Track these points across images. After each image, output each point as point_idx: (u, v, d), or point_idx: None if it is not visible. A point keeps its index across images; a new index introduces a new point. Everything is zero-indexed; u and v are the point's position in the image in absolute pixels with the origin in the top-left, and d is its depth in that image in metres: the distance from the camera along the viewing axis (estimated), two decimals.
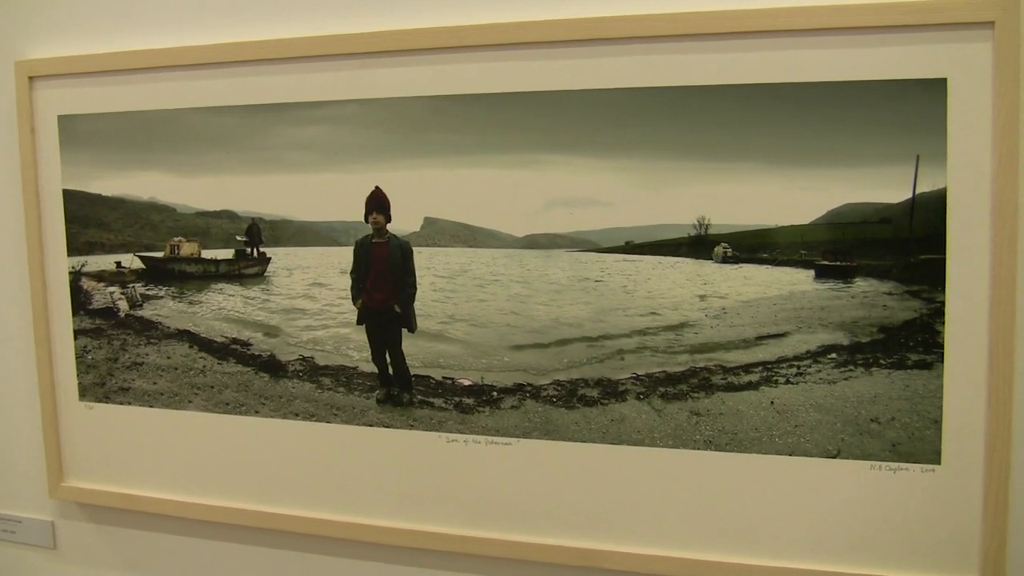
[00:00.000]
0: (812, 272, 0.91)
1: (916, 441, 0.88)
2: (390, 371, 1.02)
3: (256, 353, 1.07)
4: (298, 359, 1.05)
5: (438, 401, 1.00)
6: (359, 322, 1.03)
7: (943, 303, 0.87)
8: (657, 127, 0.91)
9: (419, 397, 1.01)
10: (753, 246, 0.92)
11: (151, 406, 1.12)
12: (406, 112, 0.97)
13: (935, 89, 0.85)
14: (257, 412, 1.07)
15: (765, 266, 0.92)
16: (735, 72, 0.89)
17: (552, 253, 0.96)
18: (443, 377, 1.00)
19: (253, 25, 1.04)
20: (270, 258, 1.08)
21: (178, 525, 1.17)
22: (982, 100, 0.84)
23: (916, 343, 0.88)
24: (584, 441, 0.96)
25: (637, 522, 0.96)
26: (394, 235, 1.00)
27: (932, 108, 0.85)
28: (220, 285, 1.10)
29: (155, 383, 1.12)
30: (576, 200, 0.94)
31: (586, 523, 0.98)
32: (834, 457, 0.90)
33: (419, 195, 0.99)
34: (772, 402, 0.91)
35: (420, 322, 1.00)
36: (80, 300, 1.15)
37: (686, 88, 0.90)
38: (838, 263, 0.91)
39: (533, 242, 0.96)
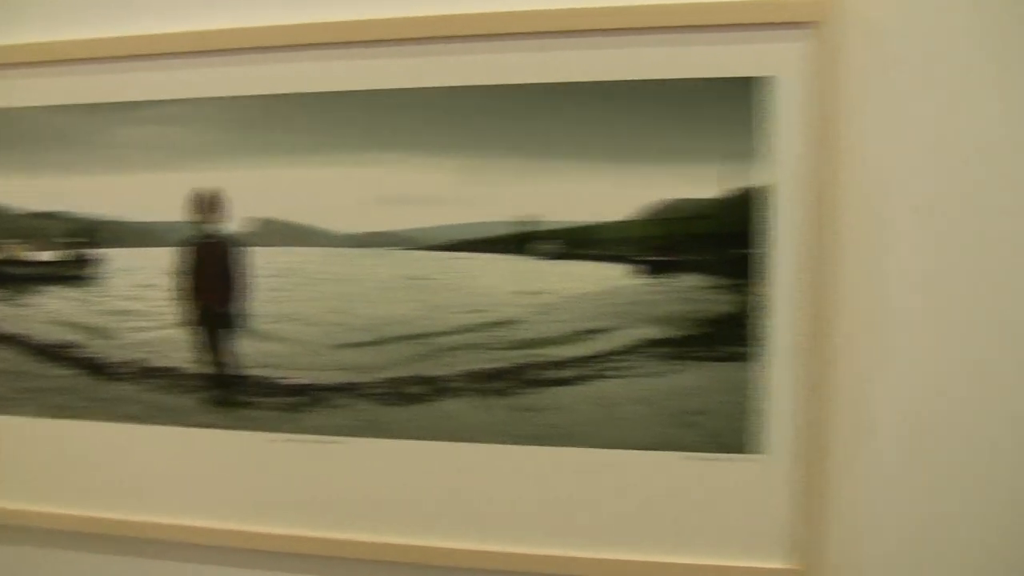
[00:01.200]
0: (636, 267, 0.92)
1: (737, 432, 0.90)
2: (219, 371, 1.01)
3: (85, 356, 1.05)
4: (127, 361, 1.04)
5: (267, 401, 0.99)
6: (189, 323, 1.02)
7: (763, 296, 0.88)
8: (487, 125, 0.91)
9: (248, 397, 1.00)
10: (578, 242, 0.92)
11: None
12: (240, 112, 0.96)
13: (759, 87, 0.86)
14: (87, 415, 1.05)
15: (590, 262, 0.93)
16: (562, 70, 0.89)
17: (381, 251, 0.96)
18: (272, 377, 0.99)
19: (91, 23, 1.02)
20: (100, 259, 1.06)
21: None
22: (804, 99, 0.85)
23: (737, 336, 0.90)
24: (412, 438, 0.96)
25: (466, 518, 0.97)
26: (226, 234, 0.99)
27: (756, 106, 0.86)
28: (48, 287, 1.07)
29: None
30: (406, 198, 0.94)
31: (417, 520, 0.98)
32: (657, 449, 0.92)
33: (252, 194, 0.97)
34: (596, 396, 0.92)
35: (250, 322, 0.99)
36: None
37: (515, 86, 0.90)
38: (661, 258, 0.92)
39: (364, 240, 0.96)
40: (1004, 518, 0.90)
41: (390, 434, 0.97)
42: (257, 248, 0.98)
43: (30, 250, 1.07)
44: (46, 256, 1.07)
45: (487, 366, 0.94)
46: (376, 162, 0.94)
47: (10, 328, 1.09)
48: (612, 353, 0.92)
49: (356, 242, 0.96)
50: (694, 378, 0.91)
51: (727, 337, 0.90)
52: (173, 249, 1.01)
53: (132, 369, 1.04)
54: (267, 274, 0.99)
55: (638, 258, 0.92)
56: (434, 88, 0.92)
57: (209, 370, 1.02)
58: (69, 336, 1.06)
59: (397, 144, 0.93)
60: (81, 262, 1.06)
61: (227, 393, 1.01)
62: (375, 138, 0.94)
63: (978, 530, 0.91)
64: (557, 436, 0.93)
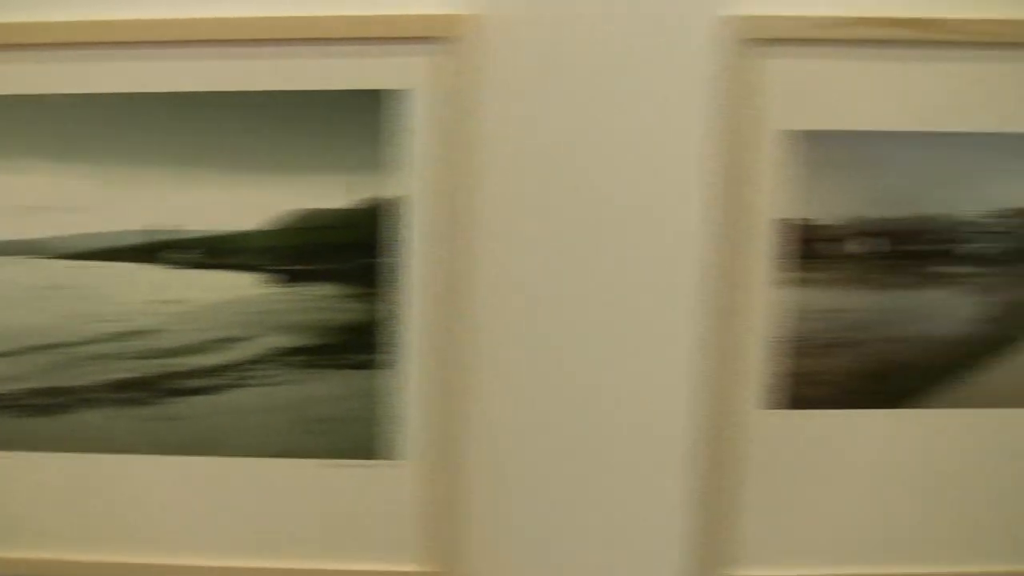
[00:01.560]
0: (271, 276, 0.92)
1: (371, 438, 0.92)
2: None
3: None
4: None
5: None
6: None
7: (395, 304, 0.90)
8: (123, 133, 0.90)
9: None
10: (215, 251, 0.92)
11: None
12: None
13: (391, 100, 0.87)
14: None
15: (227, 271, 0.93)
16: (193, 79, 0.89)
17: (16, 260, 0.94)
18: None
19: None
20: None
21: None
22: (437, 111, 0.87)
23: (369, 344, 0.91)
24: (53, 450, 0.95)
25: (106, 528, 0.97)
26: None
27: (388, 119, 0.87)
28: None
29: None
30: (41, 206, 0.92)
31: (56, 532, 0.97)
32: (292, 457, 0.93)
33: None
34: (233, 405, 0.93)
35: None
36: None
37: (151, 95, 0.89)
38: (295, 267, 0.92)
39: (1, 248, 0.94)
40: (646, 517, 0.94)
41: (30, 447, 0.96)
42: None
43: None
44: None
45: (125, 376, 0.93)
46: (9, 169, 0.92)
47: None
48: (248, 362, 0.93)
49: None
50: (328, 386, 0.92)
51: (360, 345, 0.91)
52: None
53: None
54: None
55: (273, 267, 0.92)
56: (67, 95, 0.90)
57: None
58: None
59: (31, 151, 0.91)
60: None
61: None
62: (7, 144, 0.91)
63: (617, 527, 0.94)
64: (195, 445, 0.93)
